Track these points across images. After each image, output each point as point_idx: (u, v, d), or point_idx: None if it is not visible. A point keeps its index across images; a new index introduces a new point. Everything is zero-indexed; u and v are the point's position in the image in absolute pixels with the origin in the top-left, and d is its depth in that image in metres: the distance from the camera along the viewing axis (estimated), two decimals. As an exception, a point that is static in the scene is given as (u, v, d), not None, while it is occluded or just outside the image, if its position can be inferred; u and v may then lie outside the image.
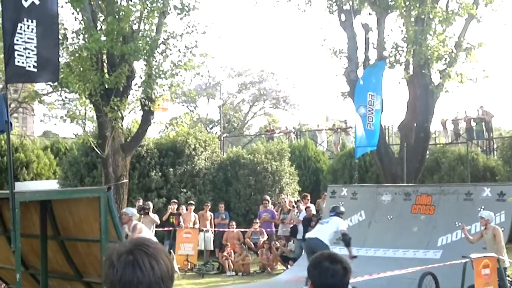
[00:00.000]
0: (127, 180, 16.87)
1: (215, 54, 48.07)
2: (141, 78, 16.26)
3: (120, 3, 15.88)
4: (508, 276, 11.01)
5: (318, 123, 30.40)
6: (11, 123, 7.94)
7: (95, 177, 18.99)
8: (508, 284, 10.64)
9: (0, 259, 9.60)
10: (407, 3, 17.49)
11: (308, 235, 12.33)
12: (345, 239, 11.75)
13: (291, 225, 16.72)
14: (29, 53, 7.49)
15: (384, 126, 20.32)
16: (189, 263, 16.43)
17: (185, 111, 42.16)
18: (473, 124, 24.05)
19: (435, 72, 17.97)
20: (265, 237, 16.96)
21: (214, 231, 17.88)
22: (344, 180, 20.55)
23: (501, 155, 20.39)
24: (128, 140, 17.25)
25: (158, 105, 16.67)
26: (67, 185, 19.54)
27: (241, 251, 16.39)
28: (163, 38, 16.00)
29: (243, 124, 47.50)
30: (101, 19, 16.01)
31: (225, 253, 16.37)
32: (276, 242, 16.50)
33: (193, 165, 19.98)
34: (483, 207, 12.48)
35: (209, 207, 18.09)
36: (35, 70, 7.58)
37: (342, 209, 12.60)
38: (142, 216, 14.94)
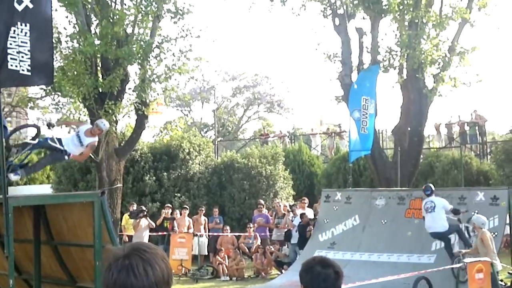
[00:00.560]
0: (121, 185, 16.83)
1: (209, 58, 48.12)
2: (135, 82, 16.25)
3: (115, 7, 15.88)
4: (501, 281, 11.03)
5: (312, 127, 30.49)
6: (5, 127, 7.90)
7: (89, 181, 18.94)
8: (501, 288, 10.67)
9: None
10: (401, 7, 17.56)
11: (427, 229, 12.55)
12: (455, 211, 12.36)
13: (286, 230, 16.71)
14: (22, 56, 7.45)
15: (378, 130, 20.36)
16: (183, 268, 16.38)
17: (179, 115, 41.97)
18: (467, 128, 24.13)
19: (428, 76, 18.04)
20: (259, 241, 16.94)
21: (208, 235, 17.83)
22: (338, 184, 20.56)
23: (494, 159, 20.42)
24: (122, 144, 17.21)
25: (152, 109, 16.67)
26: (60, 190, 19.49)
27: (235, 255, 16.35)
28: (157, 42, 16.00)
29: (237, 128, 47.42)
30: (95, 23, 16.02)
31: (219, 258, 16.34)
32: (271, 247, 16.48)
33: (187, 169, 19.96)
34: (476, 211, 12.51)
35: (203, 211, 18.05)
36: (29, 73, 7.55)
37: (430, 185, 13.09)
38: (140, 219, 14.87)
